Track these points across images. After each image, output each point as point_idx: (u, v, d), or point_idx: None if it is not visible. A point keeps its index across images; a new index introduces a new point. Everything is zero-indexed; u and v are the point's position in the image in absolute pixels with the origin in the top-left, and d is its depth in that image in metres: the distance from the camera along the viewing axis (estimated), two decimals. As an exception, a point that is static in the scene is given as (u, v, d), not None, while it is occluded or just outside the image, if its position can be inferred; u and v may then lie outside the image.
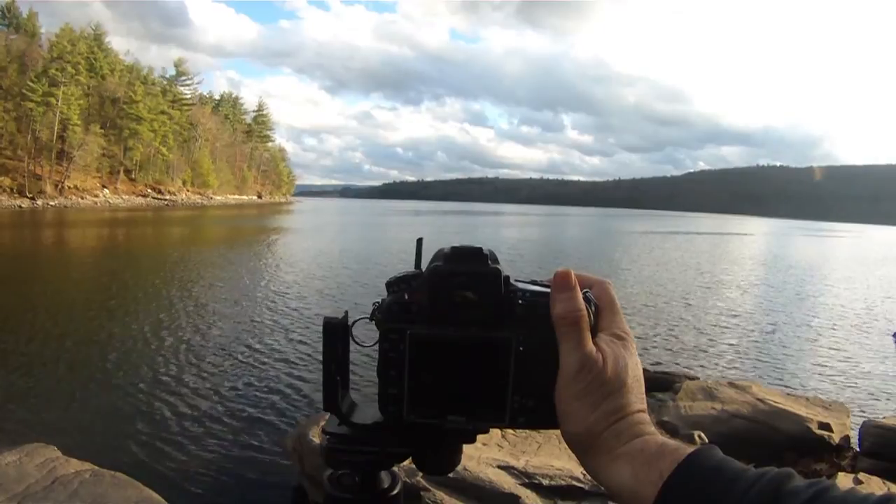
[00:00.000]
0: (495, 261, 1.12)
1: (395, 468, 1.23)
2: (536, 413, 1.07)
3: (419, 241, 1.23)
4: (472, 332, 1.08)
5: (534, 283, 1.15)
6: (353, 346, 1.20)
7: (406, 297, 1.13)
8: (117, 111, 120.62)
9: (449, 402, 1.09)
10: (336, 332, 1.18)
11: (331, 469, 1.21)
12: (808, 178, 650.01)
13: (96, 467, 6.75)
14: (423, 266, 1.15)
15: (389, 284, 1.16)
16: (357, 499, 1.21)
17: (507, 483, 6.21)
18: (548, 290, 1.12)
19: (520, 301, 1.10)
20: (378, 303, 1.14)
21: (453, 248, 1.14)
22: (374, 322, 1.14)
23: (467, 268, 1.11)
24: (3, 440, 8.02)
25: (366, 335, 1.15)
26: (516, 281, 1.13)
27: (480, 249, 1.13)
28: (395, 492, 1.21)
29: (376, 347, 1.12)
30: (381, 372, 1.12)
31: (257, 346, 16.79)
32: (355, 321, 1.20)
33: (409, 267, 1.18)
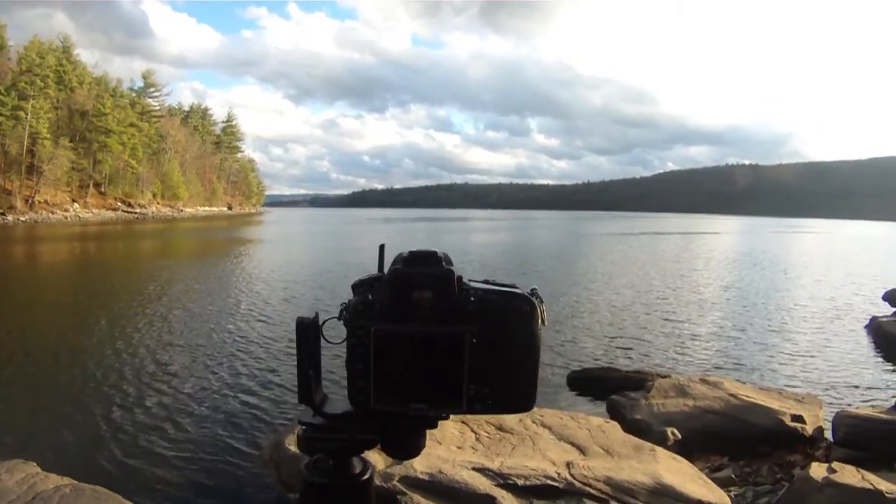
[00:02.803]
0: (449, 263, 1.28)
1: (366, 455, 1.39)
2: (491, 400, 1.26)
3: (381, 247, 1.38)
4: (430, 328, 1.24)
5: (486, 282, 1.30)
6: (324, 344, 1.36)
7: (370, 297, 1.28)
8: (86, 124, 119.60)
9: (411, 392, 1.26)
10: (308, 331, 1.35)
11: (307, 456, 1.37)
12: (778, 175, 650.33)
13: (76, 482, 6.75)
14: (386, 269, 1.31)
15: (355, 286, 1.32)
16: (332, 483, 1.35)
17: (483, 484, 6.27)
18: (499, 288, 1.28)
19: (472, 299, 1.25)
20: (345, 303, 1.30)
21: (411, 253, 1.29)
22: (342, 321, 1.30)
23: (424, 270, 1.27)
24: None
25: (335, 334, 1.32)
26: (470, 281, 1.29)
27: (435, 253, 1.29)
28: (366, 476, 1.36)
29: (345, 344, 1.28)
30: (350, 366, 1.28)
31: (232, 355, 16.75)
32: (325, 321, 1.36)
33: (374, 271, 1.34)
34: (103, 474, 8.91)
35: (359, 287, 1.33)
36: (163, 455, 10.26)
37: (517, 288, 1.32)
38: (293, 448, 7.26)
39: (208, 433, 11.29)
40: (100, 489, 6.68)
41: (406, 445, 1.38)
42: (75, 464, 9.00)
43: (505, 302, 1.28)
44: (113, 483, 7.69)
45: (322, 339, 1.37)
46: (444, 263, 1.28)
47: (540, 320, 1.29)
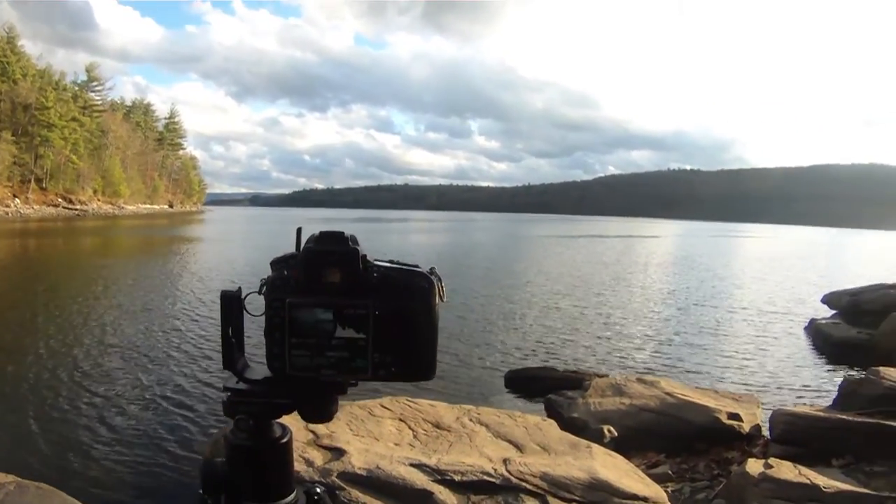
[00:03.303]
0: (356, 243, 1.39)
1: (289, 423, 1.49)
2: (394, 367, 1.37)
3: (299, 230, 1.47)
4: (338, 301, 1.35)
5: (392, 262, 1.42)
6: (246, 317, 1.47)
7: (286, 273, 1.39)
8: (29, 118, 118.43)
9: (322, 359, 1.36)
10: (231, 304, 1.46)
11: (231, 419, 1.46)
12: (720, 180, 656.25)
13: (20, 479, 6.70)
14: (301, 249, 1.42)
15: (273, 264, 1.42)
16: (254, 445, 1.44)
17: (421, 480, 6.28)
18: (401, 267, 1.40)
19: (375, 275, 1.37)
20: (264, 279, 1.41)
21: (321, 233, 1.40)
22: (261, 295, 1.40)
23: (332, 248, 1.37)
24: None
25: (256, 307, 1.41)
26: (375, 260, 1.41)
27: (343, 233, 1.40)
28: (285, 440, 1.46)
29: (264, 316, 1.38)
30: (267, 335, 1.37)
31: (169, 353, 16.68)
32: (247, 294, 1.46)
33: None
34: (45, 471, 8.88)
35: (276, 264, 1.42)
36: (103, 452, 10.23)
37: (419, 267, 1.42)
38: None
39: (147, 431, 11.25)
40: (44, 486, 6.61)
41: (319, 410, 1.48)
42: (19, 461, 8.95)
43: (405, 278, 1.39)
44: (57, 480, 7.63)
45: (245, 311, 1.46)
46: (350, 243, 1.39)
47: (438, 296, 1.39)
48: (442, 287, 1.40)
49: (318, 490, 1.58)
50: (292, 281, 1.37)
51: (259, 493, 1.45)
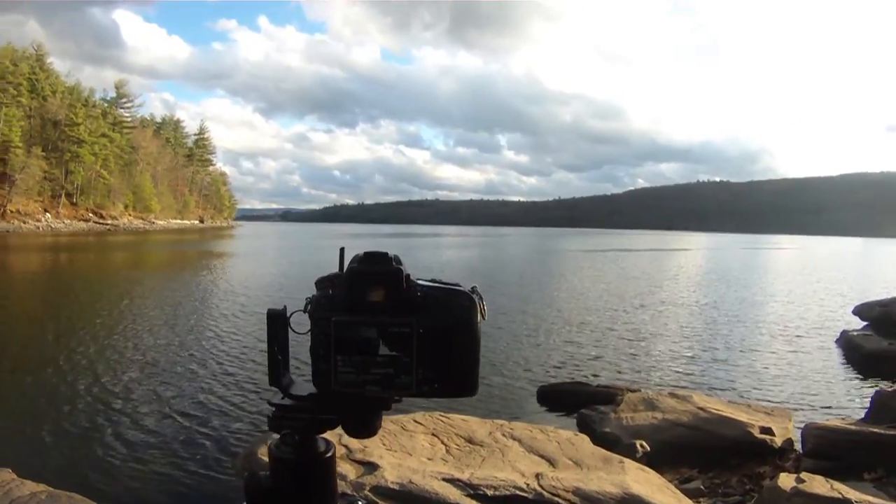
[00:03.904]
0: (399, 262, 1.41)
1: (328, 437, 1.53)
2: (437, 384, 1.40)
3: (342, 250, 1.51)
4: (382, 319, 1.38)
5: (433, 280, 1.45)
6: (291, 335, 1.52)
7: (331, 292, 1.43)
8: (59, 134, 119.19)
9: (367, 376, 1.40)
10: (277, 322, 1.50)
11: (276, 434, 1.50)
12: (749, 192, 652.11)
13: (51, 489, 6.74)
14: (345, 269, 1.45)
15: (318, 283, 1.47)
16: (298, 458, 1.49)
17: (453, 494, 6.29)
18: (443, 286, 1.43)
19: (418, 293, 1.40)
20: (310, 298, 1.44)
21: (366, 253, 1.43)
22: (307, 313, 1.44)
23: (376, 268, 1.41)
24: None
25: (301, 325, 1.46)
26: (417, 279, 1.43)
27: (386, 254, 1.43)
28: (329, 454, 1.52)
29: (309, 335, 1.42)
30: (313, 352, 1.41)
31: (207, 364, 16.75)
32: (292, 313, 1.51)
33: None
34: (78, 481, 8.88)
35: (321, 283, 1.47)
36: (137, 463, 10.27)
37: (460, 286, 1.45)
38: (265, 458, 7.25)
39: (183, 442, 11.26)
40: (75, 496, 6.66)
41: (363, 425, 1.51)
42: (51, 471, 9.00)
43: (447, 297, 1.42)
44: (88, 490, 7.68)
45: (290, 329, 1.51)
46: (393, 263, 1.42)
47: (479, 314, 1.42)
48: (483, 306, 1.43)
49: (360, 503, 1.62)
50: (337, 300, 1.42)
51: None
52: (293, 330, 1.51)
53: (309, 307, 1.44)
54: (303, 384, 1.52)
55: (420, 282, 1.44)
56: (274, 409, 1.51)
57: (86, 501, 6.62)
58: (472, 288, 1.46)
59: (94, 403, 13.24)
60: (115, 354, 17.60)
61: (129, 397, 13.75)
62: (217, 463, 10.34)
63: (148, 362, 16.82)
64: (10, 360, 16.89)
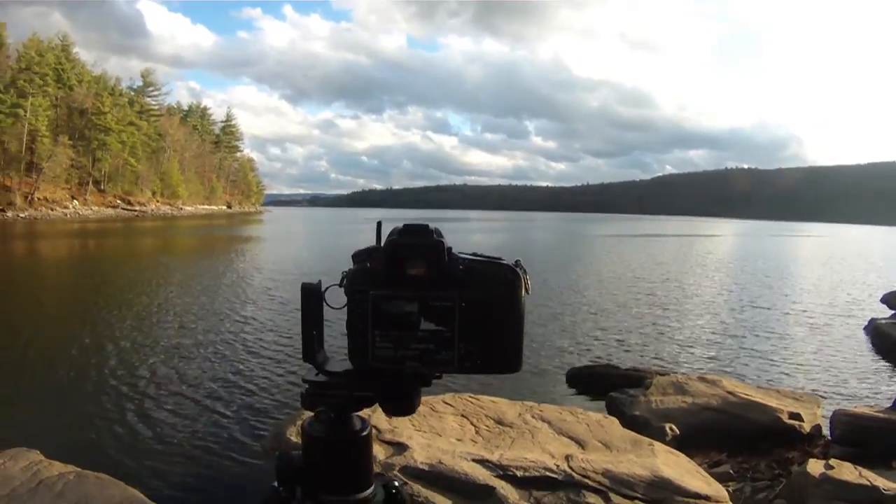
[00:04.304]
0: (440, 235, 1.39)
1: (364, 416, 1.52)
2: (480, 360, 1.37)
3: (378, 224, 1.51)
4: (423, 293, 1.36)
5: (475, 255, 1.42)
6: (326, 310, 1.49)
7: (368, 265, 1.41)
8: (85, 122, 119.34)
9: (406, 351, 1.38)
10: (312, 296, 1.48)
11: (310, 412, 1.50)
12: (778, 179, 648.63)
13: (80, 469, 6.74)
14: (382, 242, 1.43)
15: (355, 256, 1.44)
16: (333, 437, 1.47)
17: (483, 475, 6.29)
18: (486, 259, 1.40)
19: (460, 267, 1.37)
20: (346, 272, 1.43)
21: (405, 225, 1.41)
22: (343, 287, 1.42)
23: (417, 240, 1.38)
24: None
25: (336, 300, 1.45)
26: (458, 253, 1.41)
27: (427, 226, 1.40)
28: (365, 433, 1.50)
29: (345, 310, 1.41)
30: (350, 327, 1.40)
31: (235, 345, 16.86)
32: (327, 287, 1.48)
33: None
34: (106, 462, 8.91)
35: (358, 257, 1.44)
36: (165, 444, 10.33)
37: (503, 260, 1.42)
38: (294, 438, 7.27)
39: (211, 423, 11.34)
40: (103, 476, 6.68)
41: (402, 403, 1.50)
42: (78, 452, 8.98)
43: (491, 270, 1.39)
44: (116, 471, 7.68)
45: (325, 304, 1.48)
46: (434, 235, 1.39)
47: (524, 289, 1.39)
48: (527, 280, 1.40)
49: (397, 484, 1.60)
50: (375, 273, 1.39)
51: (338, 485, 1.48)
52: (328, 305, 1.48)
53: (345, 281, 1.42)
54: (338, 361, 1.50)
55: (462, 255, 1.41)
56: (308, 385, 1.50)
57: (114, 482, 6.65)
58: (516, 262, 1.43)
59: (122, 385, 13.32)
60: (143, 336, 17.72)
61: (156, 379, 13.85)
62: (245, 443, 10.37)
63: (176, 344, 16.93)
64: (39, 343, 17.00)
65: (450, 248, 1.39)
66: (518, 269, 1.40)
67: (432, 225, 1.40)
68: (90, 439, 10.36)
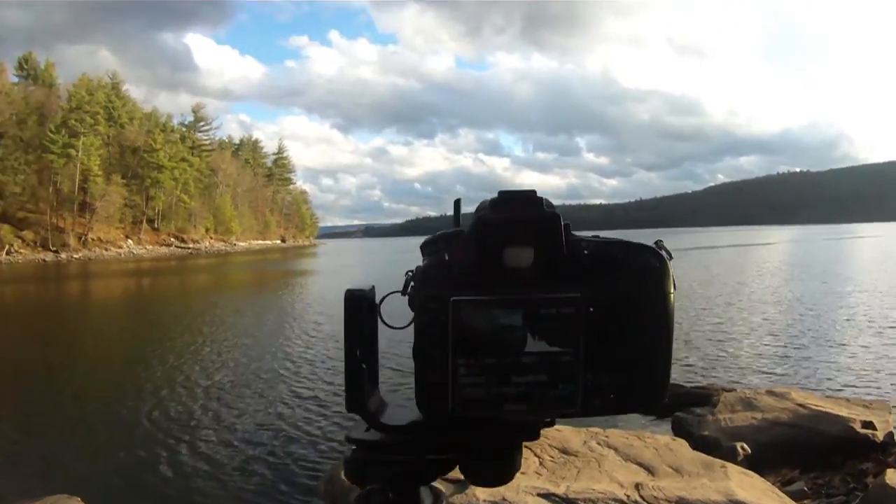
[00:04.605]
0: (551, 206, 0.99)
1: (436, 483, 1.09)
2: (614, 393, 0.96)
3: (457, 202, 1.12)
4: (531, 295, 0.94)
5: (596, 237, 1.02)
6: (383, 329, 1.07)
7: (446, 257, 0.99)
8: (138, 160, 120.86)
9: (507, 388, 0.95)
10: (360, 309, 1.05)
11: (358, 488, 1.05)
12: (830, 181, 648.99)
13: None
14: (464, 227, 1.01)
15: (425, 246, 1.04)
16: None
17: (549, 510, 6.11)
18: (616, 241, 1.01)
19: (585, 251, 0.98)
20: (412, 271, 1.01)
21: (501, 193, 0.99)
22: (407, 295, 1.01)
23: (521, 215, 0.97)
24: (30, 492, 8.01)
25: (398, 315, 1.03)
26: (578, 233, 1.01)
27: (534, 192, 0.99)
28: None
29: (412, 328, 0.99)
30: (419, 354, 0.98)
31: (287, 385, 16.59)
32: (385, 296, 1.07)
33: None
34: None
35: (431, 246, 1.03)
36: (212, 493, 10.19)
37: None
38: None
39: (263, 467, 11.16)
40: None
41: (496, 466, 1.06)
42: (121, 500, 8.95)
43: (629, 255, 1.00)
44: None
45: (380, 320, 1.08)
46: (546, 207, 0.99)
47: (671, 282, 1.02)
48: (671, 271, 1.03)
49: None
50: (458, 269, 0.97)
51: None
52: (385, 323, 1.07)
53: (412, 284, 1.00)
54: (400, 408, 1.07)
55: (583, 236, 1.02)
56: (354, 447, 1.07)
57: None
58: (658, 242, 1.06)
59: (168, 431, 13.19)
60: (192, 381, 17.59)
61: (203, 424, 13.70)
62: (299, 487, 10.23)
63: (227, 385, 16.85)
64: (90, 386, 17.13)
65: (567, 225, 0.99)
66: (663, 254, 1.03)
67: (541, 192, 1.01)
68: (134, 488, 10.28)
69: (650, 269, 0.99)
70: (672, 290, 1.00)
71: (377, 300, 1.06)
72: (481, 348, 0.93)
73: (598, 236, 1.02)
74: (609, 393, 0.95)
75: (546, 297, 0.93)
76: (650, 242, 1.03)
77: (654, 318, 0.98)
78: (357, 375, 1.02)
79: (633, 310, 0.97)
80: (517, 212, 0.97)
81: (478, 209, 0.98)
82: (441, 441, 1.02)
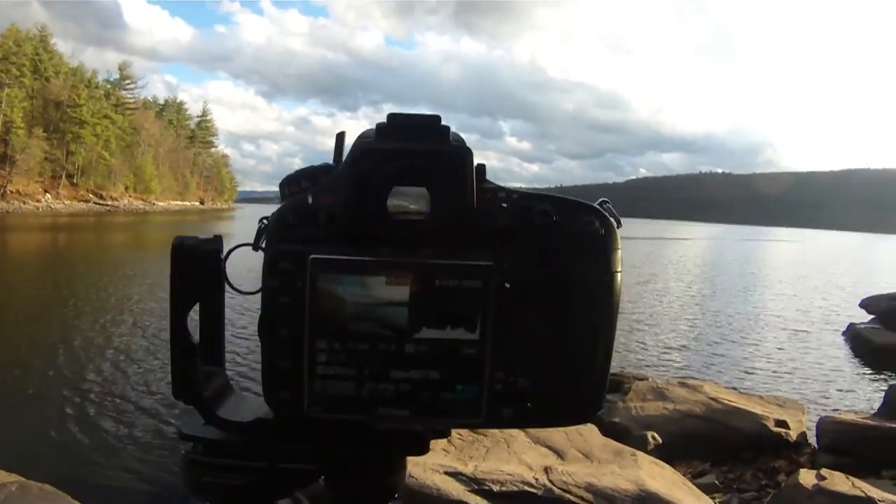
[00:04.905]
0: (461, 141, 0.74)
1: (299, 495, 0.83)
2: (532, 401, 0.74)
3: (340, 135, 0.81)
4: (424, 259, 0.72)
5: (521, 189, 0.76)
6: (231, 295, 0.82)
7: (310, 199, 0.75)
8: (60, 114, 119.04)
9: (384, 385, 0.73)
10: (195, 263, 0.79)
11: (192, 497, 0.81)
12: (751, 184, 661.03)
13: (23, 479, 6.43)
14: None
15: (284, 185, 0.77)
16: None
17: (456, 490, 5.96)
18: (548, 196, 0.75)
19: (503, 205, 0.74)
20: (266, 219, 0.76)
21: (392, 115, 0.73)
22: (258, 249, 0.77)
23: (416, 146, 0.74)
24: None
25: (253, 280, 0.76)
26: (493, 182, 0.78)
27: (438, 118, 0.74)
28: None
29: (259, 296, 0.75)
30: (266, 331, 0.74)
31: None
32: (232, 249, 0.82)
33: None
34: (52, 472, 8.59)
35: (291, 185, 0.77)
36: (112, 456, 10.05)
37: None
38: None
39: (161, 437, 10.91)
40: (47, 487, 6.34)
41: (368, 483, 0.82)
42: (23, 461, 8.67)
43: (568, 217, 0.76)
44: (62, 482, 7.34)
45: (226, 283, 0.84)
46: (451, 139, 0.75)
47: (618, 252, 0.77)
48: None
49: None
50: (324, 216, 0.74)
51: None
52: (231, 285, 0.84)
53: (263, 233, 0.76)
54: (248, 399, 0.85)
55: (501, 186, 0.77)
56: (192, 447, 0.84)
57: (58, 494, 6.31)
58: (602, 202, 0.80)
59: (72, 392, 12.99)
60: (101, 341, 17.45)
61: (109, 387, 13.54)
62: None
63: (135, 352, 16.41)
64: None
65: (482, 167, 0.77)
66: (606, 215, 0.78)
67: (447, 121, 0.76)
68: (36, 449, 10.02)
69: (592, 235, 0.76)
70: (619, 269, 0.77)
71: (223, 254, 0.83)
72: (349, 328, 0.72)
73: (522, 188, 0.77)
74: (526, 400, 0.74)
75: (444, 264, 0.72)
76: (598, 201, 0.80)
77: (592, 301, 0.76)
78: (186, 352, 0.79)
79: (565, 289, 0.74)
80: (412, 141, 0.73)
81: (361, 135, 0.75)
82: (296, 447, 0.79)
